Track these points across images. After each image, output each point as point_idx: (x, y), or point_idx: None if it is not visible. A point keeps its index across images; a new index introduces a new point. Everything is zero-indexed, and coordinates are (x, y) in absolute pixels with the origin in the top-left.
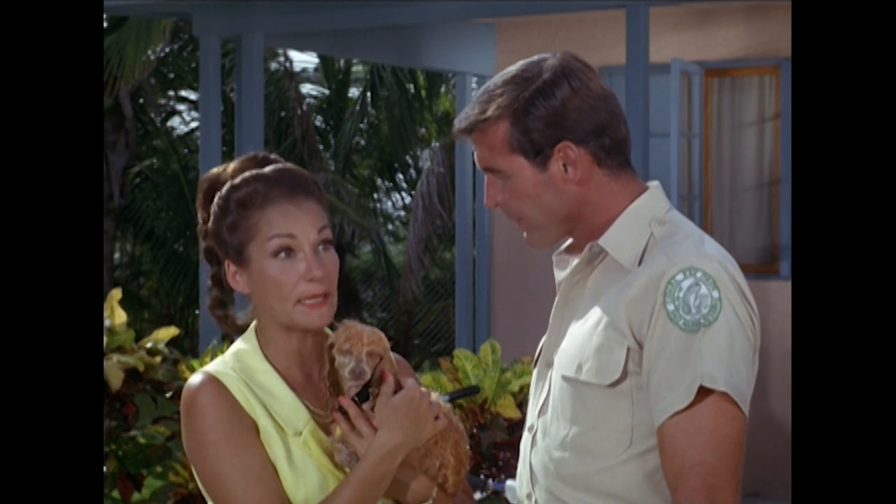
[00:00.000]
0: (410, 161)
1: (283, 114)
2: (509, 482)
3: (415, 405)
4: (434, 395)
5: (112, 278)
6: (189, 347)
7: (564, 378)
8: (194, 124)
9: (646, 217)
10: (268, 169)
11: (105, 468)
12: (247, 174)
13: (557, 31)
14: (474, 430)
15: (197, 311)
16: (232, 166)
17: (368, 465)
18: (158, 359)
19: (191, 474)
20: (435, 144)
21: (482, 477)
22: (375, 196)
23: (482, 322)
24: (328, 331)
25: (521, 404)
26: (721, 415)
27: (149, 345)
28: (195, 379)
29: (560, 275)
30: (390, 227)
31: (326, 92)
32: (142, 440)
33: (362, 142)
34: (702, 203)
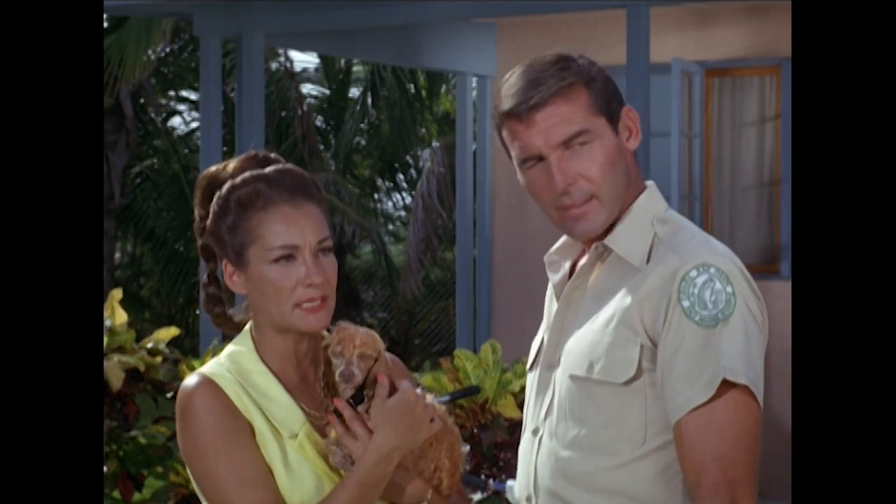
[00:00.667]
0: (411, 161)
1: (283, 114)
2: (510, 482)
3: (410, 407)
4: (429, 398)
5: (113, 278)
6: (190, 347)
7: (573, 378)
8: (195, 124)
9: (647, 216)
10: (269, 169)
11: (106, 468)
12: (247, 174)
13: (558, 31)
14: (475, 430)
15: (197, 312)
16: (232, 165)
17: (365, 468)
18: (159, 359)
19: None
20: (435, 144)
21: (483, 477)
22: (376, 196)
23: (483, 322)
24: (324, 333)
25: (522, 404)
26: (741, 408)
27: (149, 345)
28: (190, 381)
29: (554, 277)
30: (391, 227)
31: (327, 92)
32: (142, 440)
33: (363, 142)
34: (702, 203)
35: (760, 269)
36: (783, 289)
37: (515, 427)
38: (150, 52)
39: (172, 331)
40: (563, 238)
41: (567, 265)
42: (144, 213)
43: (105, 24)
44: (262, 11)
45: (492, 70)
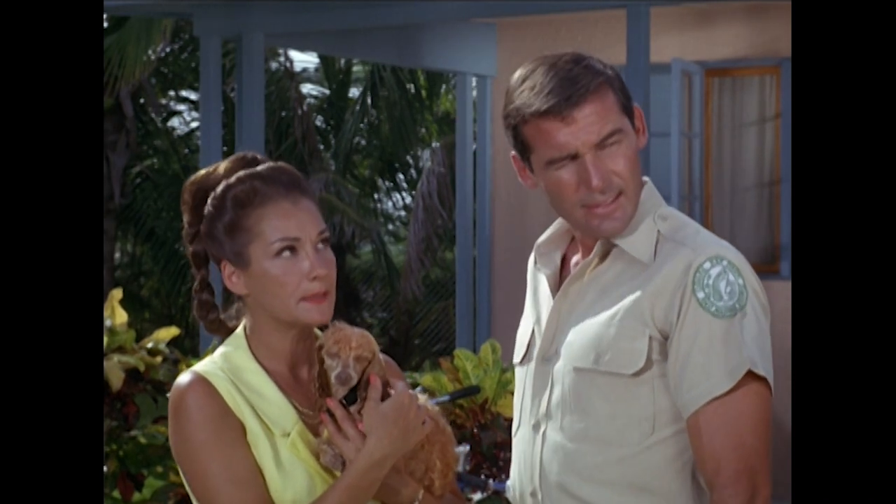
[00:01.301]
0: (411, 161)
1: (283, 114)
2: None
3: (404, 412)
4: (422, 399)
5: (113, 278)
6: (190, 347)
7: (578, 370)
8: (195, 124)
9: (649, 212)
10: (261, 167)
11: (106, 468)
12: (242, 173)
13: (558, 31)
14: (475, 430)
15: None
16: (222, 167)
17: (357, 473)
18: (159, 359)
19: None
20: (435, 144)
21: (483, 477)
22: (376, 196)
23: (483, 322)
24: (317, 332)
25: None
26: (758, 398)
27: (149, 345)
28: (183, 378)
29: (545, 269)
30: (391, 227)
31: (327, 92)
32: (142, 440)
33: (363, 142)
34: (702, 203)
35: (760, 269)
36: (783, 288)
37: None
38: (150, 52)
39: (172, 331)
40: (552, 229)
41: (558, 257)
42: (144, 213)
43: (105, 24)
44: (262, 11)
45: (492, 70)
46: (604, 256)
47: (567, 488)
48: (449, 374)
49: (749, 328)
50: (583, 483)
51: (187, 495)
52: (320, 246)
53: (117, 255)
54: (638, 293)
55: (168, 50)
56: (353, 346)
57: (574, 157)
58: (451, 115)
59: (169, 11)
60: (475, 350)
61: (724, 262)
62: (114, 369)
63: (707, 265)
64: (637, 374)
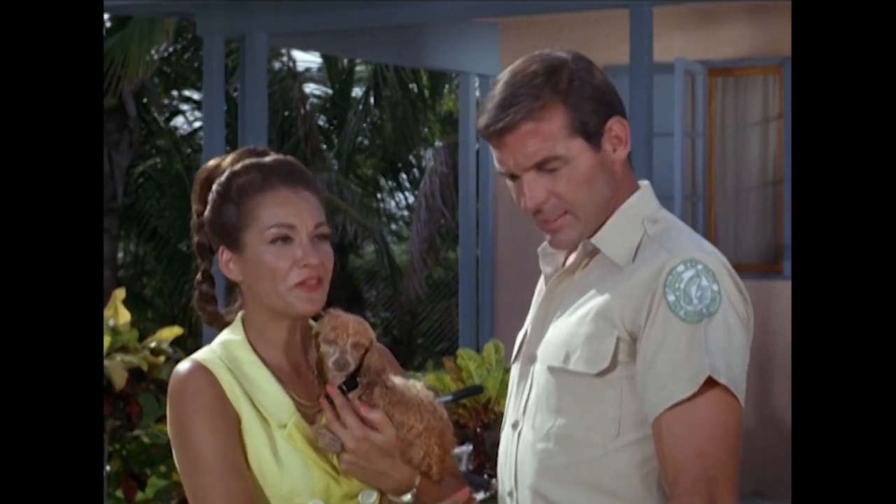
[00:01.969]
0: (414, 161)
1: (286, 113)
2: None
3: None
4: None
5: (115, 278)
6: (193, 347)
7: (550, 369)
8: (198, 124)
9: (638, 216)
10: (267, 158)
11: (109, 468)
12: (247, 161)
13: (561, 31)
14: (478, 430)
15: None
16: (230, 157)
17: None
18: (162, 358)
19: None
20: (438, 144)
21: (485, 476)
22: (379, 196)
23: (485, 322)
24: (311, 322)
25: None
26: (722, 406)
27: (152, 344)
28: (183, 366)
29: (546, 269)
30: (393, 226)
31: (330, 91)
32: (145, 439)
33: (365, 141)
34: (705, 203)
35: (763, 268)
36: (786, 288)
37: None
38: (152, 51)
39: (175, 330)
40: None
41: (561, 258)
42: (147, 212)
43: (108, 24)
44: (265, 11)
45: (495, 70)
46: (586, 257)
47: (538, 489)
48: (452, 373)
49: (715, 335)
50: (552, 484)
51: None
52: (317, 239)
53: (120, 254)
54: (610, 293)
55: (171, 50)
56: (350, 332)
57: (514, 175)
58: (454, 114)
59: (172, 11)
60: (478, 350)
61: (699, 266)
62: (117, 369)
63: (680, 268)
64: (601, 374)
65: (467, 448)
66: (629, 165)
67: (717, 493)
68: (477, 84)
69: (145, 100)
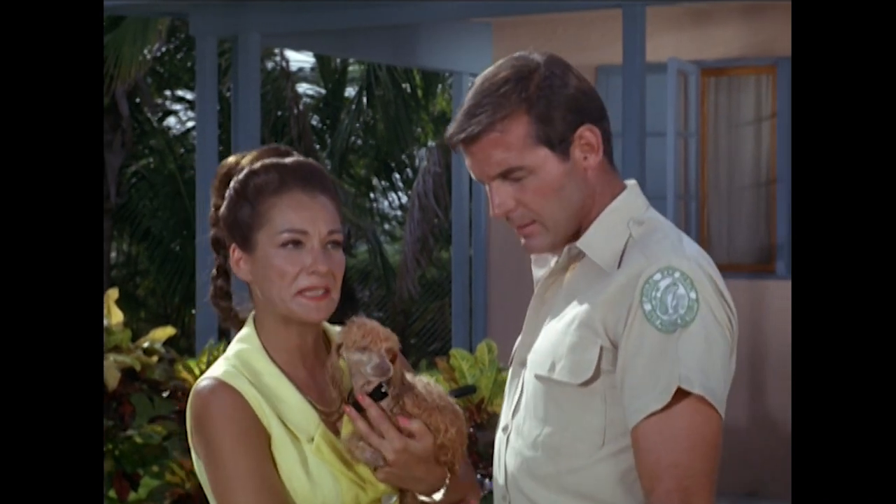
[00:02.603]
0: (407, 160)
1: (279, 113)
2: None
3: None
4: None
5: (108, 278)
6: (186, 347)
7: (538, 377)
8: (190, 124)
9: (624, 217)
10: (288, 159)
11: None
12: (266, 161)
13: (554, 31)
14: (471, 430)
15: (193, 311)
16: (251, 156)
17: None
18: (155, 358)
19: (187, 474)
20: (431, 144)
21: (479, 477)
22: (372, 195)
23: (479, 322)
24: (327, 325)
25: None
26: (697, 417)
27: (145, 344)
28: (206, 385)
29: (538, 273)
30: (387, 226)
31: (323, 91)
32: (138, 440)
33: (358, 141)
34: (698, 202)
35: (756, 268)
36: (779, 288)
37: None
38: (145, 51)
39: (168, 330)
40: None
41: (552, 260)
42: (140, 212)
43: None
44: (258, 11)
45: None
46: (572, 261)
47: (525, 493)
48: (445, 373)
49: (689, 345)
50: (540, 489)
51: (183, 495)
52: (329, 246)
53: (113, 254)
54: (593, 300)
55: (164, 49)
56: (382, 338)
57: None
58: (447, 114)
59: (165, 11)
60: (471, 350)
61: (676, 274)
62: (110, 369)
63: (657, 276)
64: (586, 383)
65: None
66: (611, 168)
67: (692, 503)
68: (470, 84)
69: (138, 100)
